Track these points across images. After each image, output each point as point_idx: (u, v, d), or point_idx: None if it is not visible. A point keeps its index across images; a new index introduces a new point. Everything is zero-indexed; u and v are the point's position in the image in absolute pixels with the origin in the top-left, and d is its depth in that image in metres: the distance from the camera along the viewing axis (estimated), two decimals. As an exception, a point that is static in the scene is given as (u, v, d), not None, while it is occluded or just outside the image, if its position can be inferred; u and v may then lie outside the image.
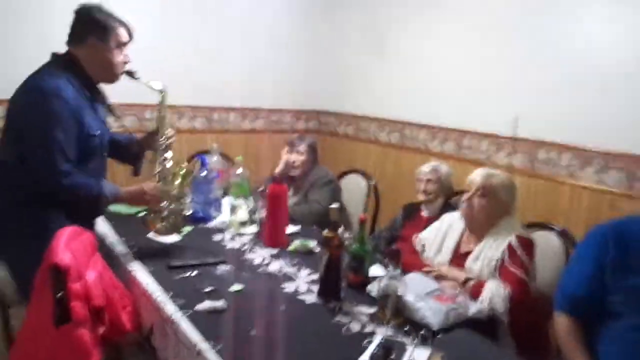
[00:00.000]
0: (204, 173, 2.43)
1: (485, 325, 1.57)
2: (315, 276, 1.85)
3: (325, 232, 1.65)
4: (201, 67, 3.68)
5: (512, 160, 2.91)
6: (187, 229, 2.32)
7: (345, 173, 3.16)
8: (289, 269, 1.92)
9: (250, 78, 3.91)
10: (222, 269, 1.89)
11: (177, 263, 1.86)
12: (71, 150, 1.77)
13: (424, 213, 2.55)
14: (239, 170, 2.35)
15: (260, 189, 2.33)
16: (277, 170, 2.86)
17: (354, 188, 3.03)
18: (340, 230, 1.64)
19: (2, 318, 2.26)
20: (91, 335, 1.46)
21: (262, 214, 2.28)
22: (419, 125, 3.48)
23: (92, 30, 1.85)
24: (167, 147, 2.10)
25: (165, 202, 2.02)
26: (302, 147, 2.79)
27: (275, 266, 1.94)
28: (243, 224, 2.36)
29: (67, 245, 1.48)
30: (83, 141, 1.82)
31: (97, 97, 1.96)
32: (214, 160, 2.72)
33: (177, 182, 2.07)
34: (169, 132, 2.13)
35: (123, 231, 2.21)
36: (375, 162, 3.82)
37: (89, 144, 1.86)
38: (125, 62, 1.96)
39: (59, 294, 1.41)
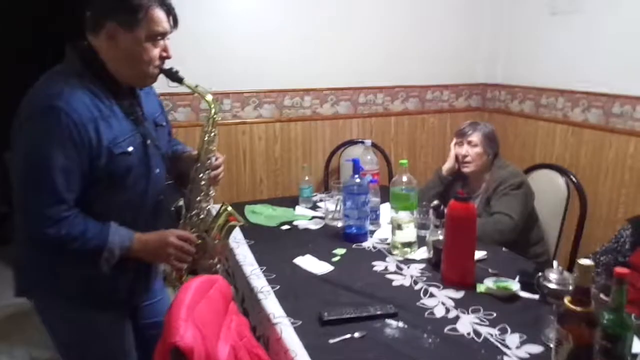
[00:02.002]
0: (358, 179, 1.92)
1: None
2: (534, 348, 1.25)
3: (567, 302, 1.02)
4: (342, 44, 3.16)
5: None
6: (340, 251, 1.85)
7: (531, 168, 2.43)
8: (489, 331, 1.33)
9: (397, 52, 3.29)
10: (394, 326, 1.36)
11: (332, 316, 1.38)
12: (71, 185, 1.25)
13: (670, 232, 1.75)
14: (405, 178, 1.79)
15: (434, 203, 1.75)
16: (445, 167, 2.26)
17: (545, 189, 2.30)
18: (594, 303, 1.01)
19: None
20: None
21: (435, 236, 1.72)
22: (636, 98, 2.58)
23: (112, 11, 1.28)
24: (210, 182, 1.54)
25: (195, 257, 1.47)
26: (476, 137, 2.15)
27: (466, 324, 1.37)
28: (408, 245, 1.82)
29: (190, 313, 1.07)
30: (106, 165, 1.29)
31: (128, 104, 1.40)
32: (367, 159, 2.20)
33: (215, 229, 1.52)
34: (216, 159, 1.55)
35: (261, 253, 1.82)
36: (562, 147, 2.99)
37: (117, 166, 1.31)
38: (164, 58, 1.37)
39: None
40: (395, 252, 1.83)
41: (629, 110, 2.61)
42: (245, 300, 1.72)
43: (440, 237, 1.70)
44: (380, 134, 3.37)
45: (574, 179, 2.26)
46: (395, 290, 1.57)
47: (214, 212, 1.60)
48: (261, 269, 1.71)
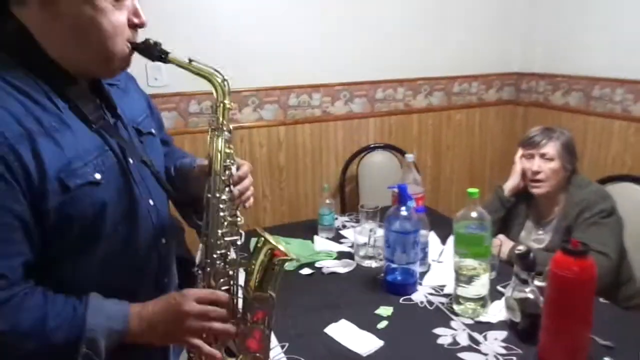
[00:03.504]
0: (405, 212, 1.43)
1: None
2: None
3: None
4: (355, 31, 2.65)
5: None
6: (386, 311, 1.37)
7: (601, 181, 1.96)
8: None
9: (419, 39, 2.79)
10: None
11: None
12: (7, 247, 0.78)
13: None
14: (474, 214, 1.30)
15: (520, 250, 1.26)
16: (508, 185, 1.79)
17: (625, 210, 1.82)
18: None
19: None
20: None
21: (521, 293, 1.24)
22: None
23: None
24: (235, 204, 0.99)
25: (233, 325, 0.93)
26: (552, 148, 1.68)
27: None
28: (479, 301, 1.34)
29: None
30: (60, 208, 0.80)
31: (92, 107, 0.89)
32: (409, 178, 1.71)
33: (255, 269, 0.93)
34: (239, 167, 1.02)
35: (279, 318, 1.33)
36: (621, 148, 2.53)
37: (80, 206, 0.82)
38: (135, 26, 0.88)
39: None
40: (460, 309, 1.35)
41: None
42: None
43: (530, 296, 1.23)
44: (400, 134, 2.89)
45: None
46: (481, 383, 1.10)
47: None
48: (282, 347, 1.23)
